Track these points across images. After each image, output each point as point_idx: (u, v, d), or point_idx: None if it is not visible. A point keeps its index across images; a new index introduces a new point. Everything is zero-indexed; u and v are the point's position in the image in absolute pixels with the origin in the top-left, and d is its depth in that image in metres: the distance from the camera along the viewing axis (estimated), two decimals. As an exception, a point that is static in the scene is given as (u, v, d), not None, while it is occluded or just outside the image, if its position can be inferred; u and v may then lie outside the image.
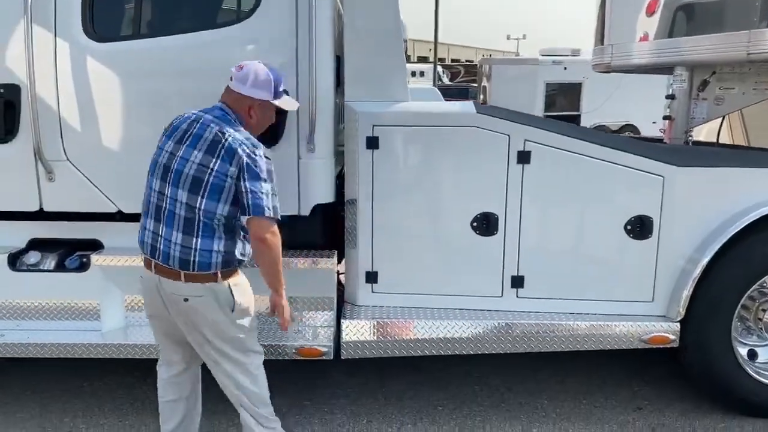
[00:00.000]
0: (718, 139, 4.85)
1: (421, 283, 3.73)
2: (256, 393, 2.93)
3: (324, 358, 3.56)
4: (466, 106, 3.66)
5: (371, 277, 3.72)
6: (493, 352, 3.62)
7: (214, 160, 2.67)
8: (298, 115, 3.47)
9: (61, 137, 3.48)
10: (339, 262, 3.84)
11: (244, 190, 2.64)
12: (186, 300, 2.72)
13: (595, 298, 3.67)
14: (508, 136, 3.55)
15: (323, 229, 3.84)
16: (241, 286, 2.83)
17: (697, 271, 3.51)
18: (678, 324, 3.60)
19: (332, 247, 3.82)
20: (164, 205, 2.72)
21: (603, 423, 3.73)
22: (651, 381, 4.18)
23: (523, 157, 3.56)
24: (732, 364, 3.63)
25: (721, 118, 4.55)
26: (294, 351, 3.55)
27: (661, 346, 3.61)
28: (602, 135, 4.01)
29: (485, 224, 3.62)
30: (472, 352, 3.62)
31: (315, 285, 3.71)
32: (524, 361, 4.22)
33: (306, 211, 3.63)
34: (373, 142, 3.56)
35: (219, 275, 2.71)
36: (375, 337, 3.58)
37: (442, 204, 3.67)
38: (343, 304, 3.79)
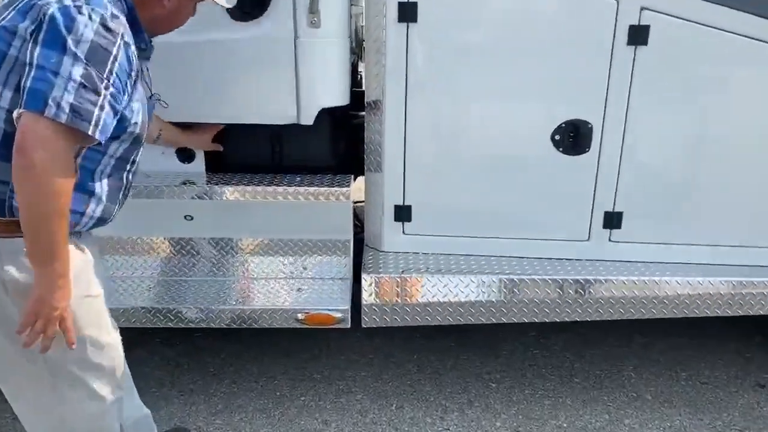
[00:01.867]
0: None
1: (471, 222, 2.64)
2: None
3: (338, 326, 2.52)
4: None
5: (402, 214, 2.62)
6: (577, 319, 2.56)
7: (7, 14, 1.49)
8: (292, -32, 2.25)
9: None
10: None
11: (29, 61, 1.42)
12: None
13: (734, 243, 2.57)
14: (616, 1, 2.32)
15: (333, 146, 2.73)
16: None
17: None
18: None
19: (347, 171, 2.70)
20: None
21: (719, 408, 2.73)
22: (765, 345, 3.16)
23: (638, 35, 2.34)
24: None
25: None
26: (298, 318, 2.51)
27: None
28: None
29: (572, 137, 2.47)
30: (546, 320, 2.57)
31: (323, 224, 2.63)
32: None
33: (308, 119, 2.48)
34: (408, 11, 2.35)
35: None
36: (407, 298, 2.52)
37: (508, 106, 2.50)
38: (363, 251, 2.71)
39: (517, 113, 2.49)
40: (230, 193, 2.51)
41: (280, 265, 2.74)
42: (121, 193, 1.75)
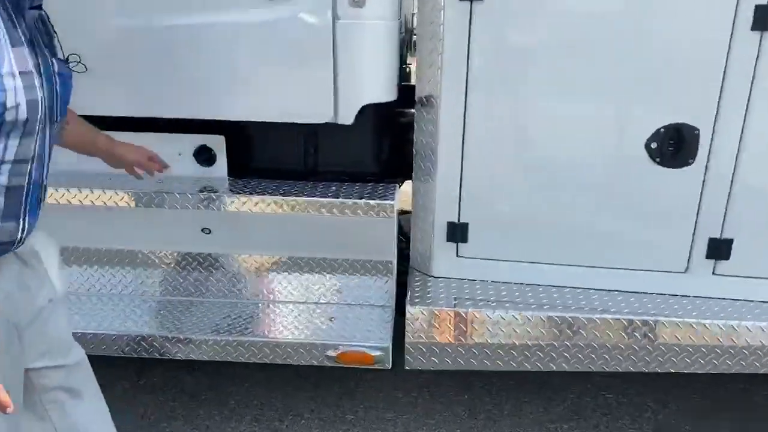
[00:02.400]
0: None
1: (541, 246, 2.18)
2: None
3: (377, 367, 2.10)
4: None
5: (457, 233, 2.19)
6: (672, 370, 2.07)
7: None
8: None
9: None
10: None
11: None
12: None
13: None
14: (738, -26, 1.83)
15: (376, 149, 2.32)
16: None
17: None
18: None
19: (391, 177, 2.30)
20: None
21: None
22: None
23: (765, 18, 1.83)
24: None
25: None
26: (328, 355, 2.10)
27: None
28: None
29: (673, 146, 1.98)
30: (632, 369, 2.09)
31: (362, 241, 2.23)
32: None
33: (347, 118, 2.08)
34: (472, -13, 1.91)
35: None
36: (461, 338, 2.08)
37: (593, 106, 2.03)
38: (408, 275, 2.29)
39: (604, 115, 2.02)
40: (255, 203, 2.13)
41: (311, 288, 2.35)
42: (23, 205, 1.25)
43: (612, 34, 1.93)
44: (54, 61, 1.26)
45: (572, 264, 2.18)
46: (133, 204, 2.14)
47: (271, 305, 2.33)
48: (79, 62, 1.42)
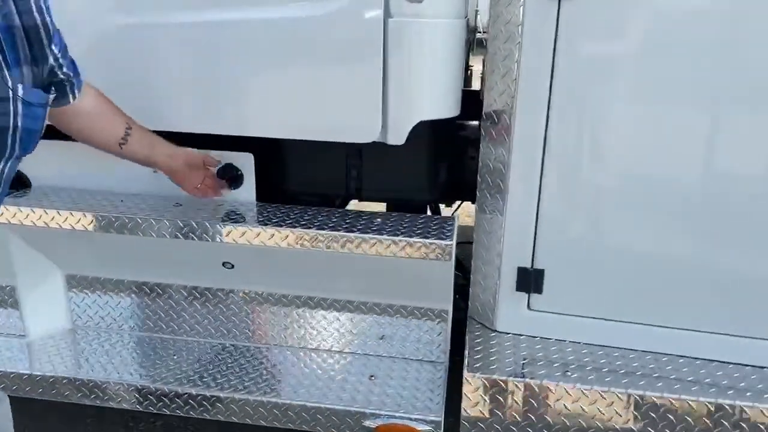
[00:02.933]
0: None
1: (637, 301, 1.73)
2: None
3: (424, 444, 1.71)
4: None
5: (529, 280, 1.77)
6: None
7: None
8: None
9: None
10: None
11: None
12: None
13: None
14: None
15: (432, 171, 1.93)
16: None
17: None
18: None
19: (447, 201, 1.92)
20: None
21: None
22: None
23: None
24: None
25: None
26: (365, 426, 1.73)
27: None
28: None
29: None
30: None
31: (411, 283, 1.83)
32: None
33: (398, 137, 1.71)
34: (564, -24, 1.50)
35: None
36: (530, 414, 1.66)
37: (711, 122, 1.58)
38: (466, 325, 1.89)
39: (727, 133, 1.57)
40: (286, 236, 1.76)
41: (347, 335, 1.98)
42: None
43: (744, 37, 1.48)
44: (20, 86, 1.05)
45: (676, 326, 1.74)
46: (144, 232, 1.81)
47: (299, 354, 1.97)
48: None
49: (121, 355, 2.02)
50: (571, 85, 1.59)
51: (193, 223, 1.78)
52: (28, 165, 2.06)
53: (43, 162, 2.01)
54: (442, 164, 1.96)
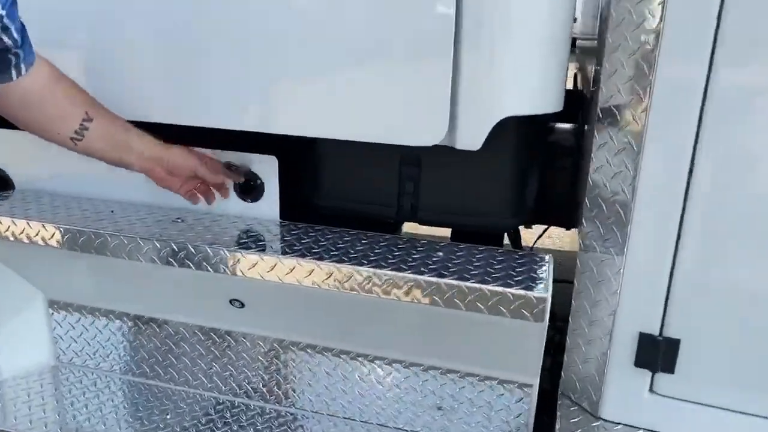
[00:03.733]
0: None
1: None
2: None
3: None
4: None
5: (657, 354, 1.22)
6: None
7: None
8: None
9: None
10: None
11: None
12: None
13: None
14: None
15: (514, 187, 1.39)
16: None
17: None
18: None
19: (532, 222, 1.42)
20: None
21: None
22: None
23: None
24: None
25: None
26: None
27: None
28: None
29: None
30: None
31: (482, 343, 1.31)
32: None
33: (473, 141, 1.20)
34: None
35: None
36: None
37: None
38: (557, 407, 1.35)
39: None
40: (311, 271, 1.28)
41: (394, 405, 1.47)
42: None
43: None
44: None
45: None
46: (130, 255, 1.37)
47: (328, 424, 1.48)
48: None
49: (110, 403, 1.60)
50: (745, 77, 1.04)
51: (190, 248, 1.33)
52: (12, 162, 1.70)
53: (30, 159, 1.64)
54: (531, 177, 1.43)
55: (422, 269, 1.23)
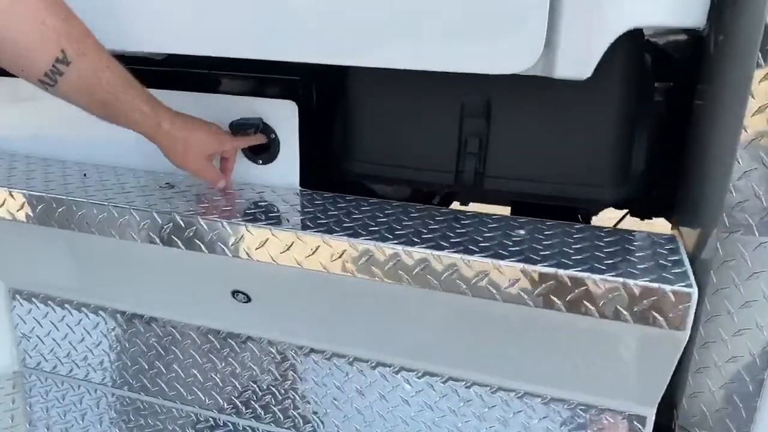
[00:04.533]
0: None
1: None
2: None
3: None
4: None
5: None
6: None
7: None
8: None
9: None
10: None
11: None
12: None
13: None
14: None
15: (623, 153, 0.99)
16: None
17: None
18: None
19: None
20: None
21: None
22: None
23: None
24: None
25: None
26: None
27: None
28: None
29: None
30: None
31: (582, 360, 0.92)
32: None
33: (580, 66, 0.80)
34: None
35: None
36: None
37: None
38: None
39: None
40: (340, 251, 0.91)
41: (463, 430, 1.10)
42: None
43: None
44: None
45: None
46: (101, 229, 1.03)
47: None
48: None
49: (83, 422, 1.26)
50: None
51: (179, 220, 0.97)
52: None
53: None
54: (642, 138, 1.04)
55: (498, 254, 0.86)
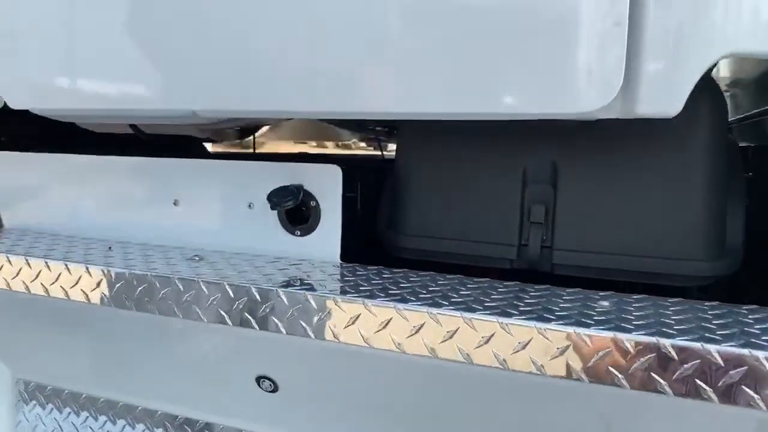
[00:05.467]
0: None
1: None
2: None
3: None
4: None
5: None
6: None
7: None
8: None
9: None
10: None
11: None
12: None
13: None
14: None
15: (722, 216, 0.86)
16: None
17: None
18: None
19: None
20: None
21: None
22: None
23: None
24: None
25: None
26: None
27: None
28: None
29: None
30: None
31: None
32: None
33: (667, 101, 0.67)
34: None
35: None
36: None
37: None
38: None
39: None
40: (425, 323, 0.75)
41: None
42: None
43: None
44: None
45: None
46: (129, 312, 0.91)
47: None
48: None
49: None
50: None
51: (193, 310, 0.85)
52: (6, 200, 1.33)
53: (24, 195, 1.26)
54: (737, 200, 0.90)
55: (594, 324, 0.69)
